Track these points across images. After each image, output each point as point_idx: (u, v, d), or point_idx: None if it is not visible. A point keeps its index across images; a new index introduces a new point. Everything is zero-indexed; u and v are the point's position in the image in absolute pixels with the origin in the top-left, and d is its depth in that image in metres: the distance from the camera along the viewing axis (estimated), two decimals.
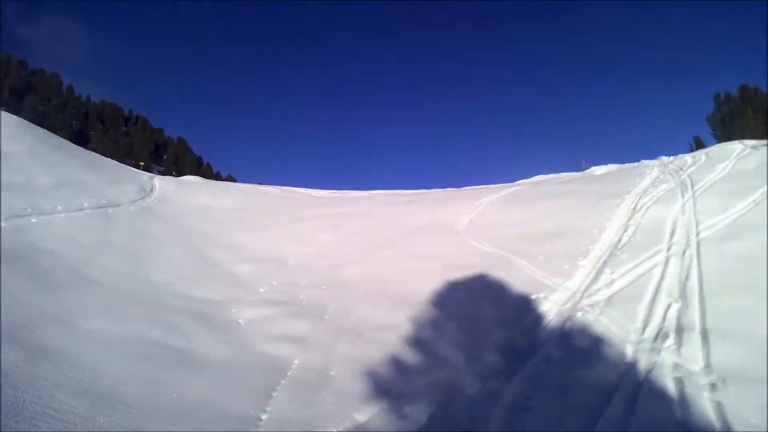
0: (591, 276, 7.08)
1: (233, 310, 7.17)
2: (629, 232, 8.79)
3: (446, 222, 11.66)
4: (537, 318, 5.91)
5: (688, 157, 13.98)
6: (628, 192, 11.41)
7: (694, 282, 6.39)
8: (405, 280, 8.08)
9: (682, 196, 10.12)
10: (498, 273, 7.60)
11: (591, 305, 6.02)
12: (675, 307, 5.78)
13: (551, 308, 6.11)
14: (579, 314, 5.80)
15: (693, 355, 4.64)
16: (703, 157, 13.07)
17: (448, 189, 17.69)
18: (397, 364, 5.16)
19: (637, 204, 10.30)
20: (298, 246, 11.37)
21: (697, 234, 8.03)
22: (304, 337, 6.10)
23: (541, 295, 6.51)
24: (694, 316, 5.47)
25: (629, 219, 9.50)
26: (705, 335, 4.98)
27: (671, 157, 15.05)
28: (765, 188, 9.23)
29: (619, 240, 8.49)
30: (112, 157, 21.43)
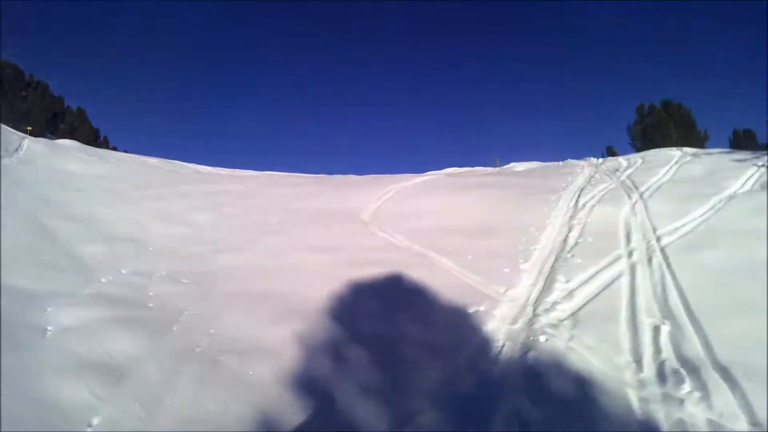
0: (540, 284, 5.16)
1: (48, 310, 4.67)
2: (575, 233, 7.08)
3: (349, 208, 9.41)
4: (482, 344, 3.86)
5: (621, 160, 12.91)
6: (564, 188, 9.87)
7: (675, 298, 4.70)
8: (295, 278, 5.77)
9: (629, 197, 8.65)
10: (417, 274, 5.46)
11: (553, 326, 4.05)
12: (665, 330, 4.02)
13: (498, 328, 4.09)
14: (542, 339, 3.82)
15: (728, 406, 3.06)
16: (639, 161, 11.99)
17: (350, 175, 15.44)
18: (267, 425, 2.83)
19: (577, 202, 8.68)
20: (167, 225, 8.63)
21: (658, 239, 6.42)
22: (127, 368, 3.59)
23: (480, 308, 4.46)
24: (695, 345, 3.87)
25: (572, 218, 7.80)
26: (726, 373, 3.41)
27: (599, 159, 13.96)
28: (720, 195, 7.96)
29: (565, 240, 6.69)
30: (6, 120, 17.48)
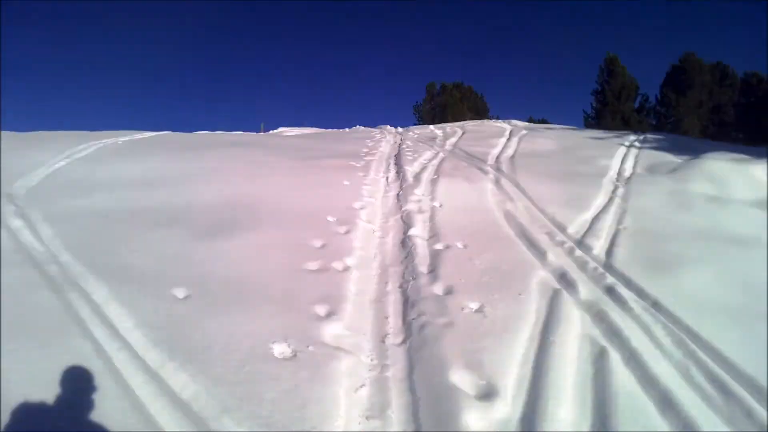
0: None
1: None
2: (420, 230, 3.21)
3: None
4: None
5: (433, 128, 9.86)
6: (368, 155, 6.15)
7: None
8: None
9: (482, 171, 5.25)
10: None
11: None
12: None
13: None
14: None
15: None
16: (459, 131, 9.03)
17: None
18: None
19: (401, 173, 4.98)
20: None
21: (587, 249, 2.93)
22: None
23: None
24: None
25: (402, 198, 3.99)
26: None
27: (398, 127, 10.72)
28: (609, 177, 5.17)
29: (406, 248, 2.75)
30: None
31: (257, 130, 12.87)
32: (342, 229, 3.38)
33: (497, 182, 4.87)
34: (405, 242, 3.30)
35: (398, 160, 5.95)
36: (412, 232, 3.43)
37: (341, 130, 11.18)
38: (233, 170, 5.03)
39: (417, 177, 4.90)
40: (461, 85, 18.33)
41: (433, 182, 4.67)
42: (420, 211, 3.89)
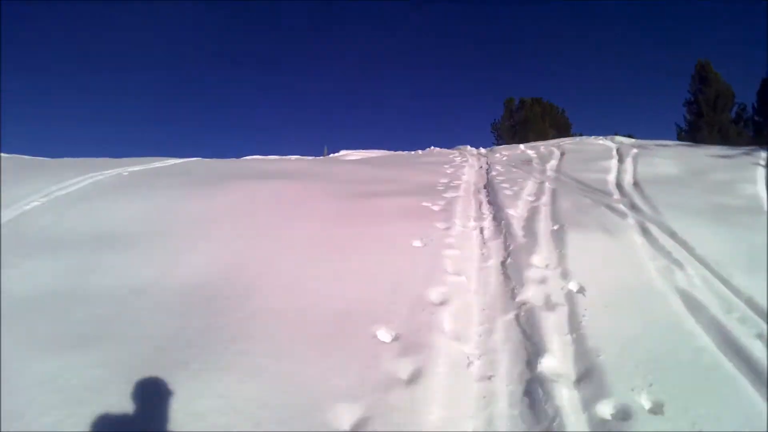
0: None
1: None
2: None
3: None
4: None
5: (524, 148, 7.95)
6: (449, 188, 4.41)
7: None
8: None
9: (616, 213, 3.35)
10: None
11: None
12: None
13: None
14: None
15: None
16: (556, 150, 7.10)
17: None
18: None
19: (498, 217, 3.16)
20: None
21: None
22: None
23: None
24: None
25: (507, 271, 2.12)
26: None
27: (480, 148, 8.92)
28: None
29: None
30: None
31: (320, 154, 11.58)
32: (404, 367, 1.64)
33: (644, 231, 3.04)
34: (532, 394, 1.53)
35: (492, 195, 4.16)
36: (544, 364, 1.66)
37: (413, 153, 9.50)
38: (246, 216, 3.46)
39: (529, 228, 3.08)
40: (540, 100, 16.27)
41: (557, 237, 2.84)
42: (548, 304, 2.11)
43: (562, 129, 15.91)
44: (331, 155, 10.70)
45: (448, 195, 4.15)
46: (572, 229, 3.01)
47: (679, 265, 2.55)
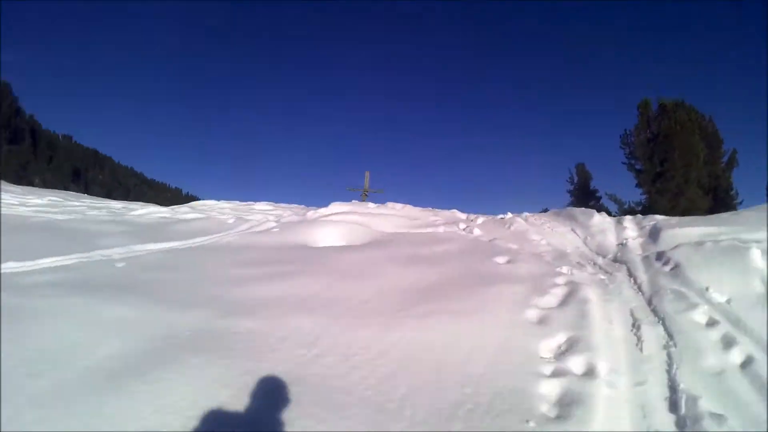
0: None
1: None
2: None
3: None
4: None
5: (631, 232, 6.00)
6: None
7: None
8: None
9: None
10: None
11: None
12: None
13: None
14: None
15: None
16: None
17: None
18: None
19: None
20: None
21: None
22: None
23: None
24: None
25: None
26: None
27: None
28: None
29: None
30: None
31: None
32: None
33: None
34: None
35: None
36: None
37: (490, 218, 8.00)
38: None
39: None
40: (683, 103, 12.94)
41: None
42: None
43: (713, 145, 12.70)
44: (370, 203, 9.87)
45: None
46: None
47: None
